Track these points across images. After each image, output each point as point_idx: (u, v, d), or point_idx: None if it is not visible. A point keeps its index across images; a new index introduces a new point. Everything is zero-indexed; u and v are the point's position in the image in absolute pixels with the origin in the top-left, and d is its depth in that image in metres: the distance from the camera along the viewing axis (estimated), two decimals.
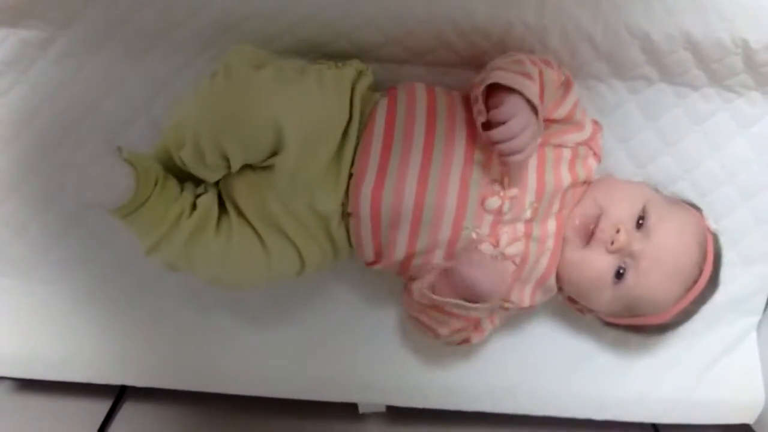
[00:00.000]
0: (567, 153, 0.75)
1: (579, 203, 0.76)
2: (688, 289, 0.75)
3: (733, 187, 0.86)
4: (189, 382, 0.91)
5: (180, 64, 0.82)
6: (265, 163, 0.69)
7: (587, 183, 0.78)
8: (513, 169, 0.71)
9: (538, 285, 0.77)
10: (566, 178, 0.74)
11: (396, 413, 0.94)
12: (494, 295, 0.71)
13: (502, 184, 0.72)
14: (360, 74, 0.77)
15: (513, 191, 0.72)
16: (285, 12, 0.76)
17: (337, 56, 0.78)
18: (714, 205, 0.85)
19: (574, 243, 0.75)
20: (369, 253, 0.76)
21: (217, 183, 0.76)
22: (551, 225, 0.74)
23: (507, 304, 0.78)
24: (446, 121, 0.73)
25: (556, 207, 0.74)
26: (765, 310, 0.93)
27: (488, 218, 0.72)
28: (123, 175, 0.68)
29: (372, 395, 0.92)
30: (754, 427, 0.94)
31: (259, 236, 0.74)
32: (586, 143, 0.76)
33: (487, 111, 0.68)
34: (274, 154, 0.68)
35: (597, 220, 0.73)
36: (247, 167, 0.71)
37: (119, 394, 0.96)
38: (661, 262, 0.73)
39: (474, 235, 0.72)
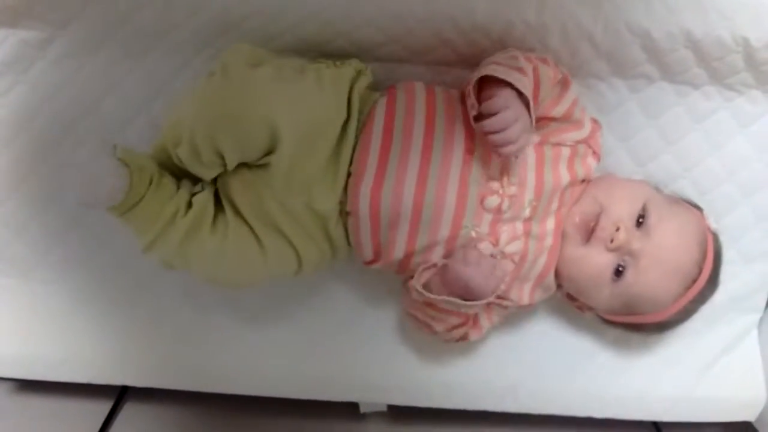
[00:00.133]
0: (566, 151, 0.75)
1: (579, 201, 0.76)
2: (688, 288, 0.75)
3: (733, 185, 0.86)
4: (190, 382, 0.91)
5: (179, 64, 0.82)
6: (261, 162, 0.69)
7: (586, 181, 0.78)
8: (509, 163, 0.71)
9: (537, 283, 0.77)
10: (565, 176, 0.74)
11: (397, 412, 0.94)
12: (487, 293, 0.71)
13: (501, 182, 0.72)
14: (359, 73, 0.77)
15: (512, 190, 0.72)
16: (285, 11, 0.76)
17: (337, 55, 0.78)
18: (714, 204, 0.85)
19: (574, 240, 0.75)
20: (368, 252, 0.76)
21: (214, 181, 0.76)
22: (550, 223, 0.75)
23: (506, 302, 0.78)
24: (445, 120, 0.73)
25: (555, 205, 0.75)
26: (766, 308, 0.94)
27: (487, 217, 0.72)
28: (116, 174, 0.69)
29: (373, 394, 0.92)
30: (756, 425, 0.94)
31: (256, 235, 0.74)
32: (585, 142, 0.76)
33: (480, 104, 0.68)
34: (269, 152, 0.68)
35: (597, 217, 0.74)
36: (243, 166, 0.71)
37: (120, 395, 0.96)
38: (660, 261, 0.73)
39: (473, 234, 0.72)
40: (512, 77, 0.66)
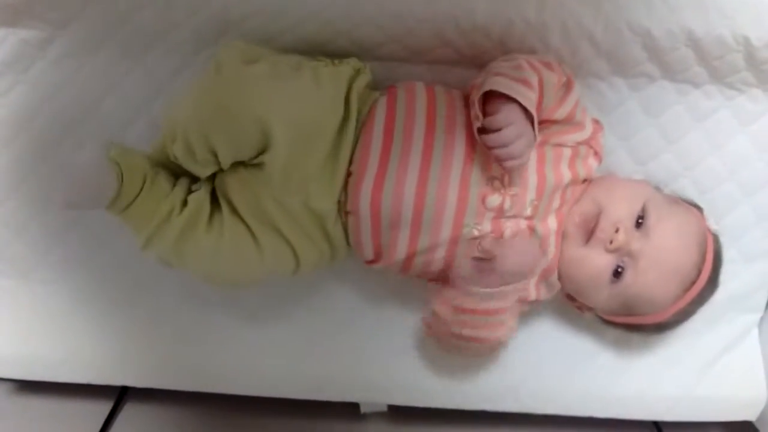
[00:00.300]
0: (567, 152, 0.75)
1: (579, 201, 0.76)
2: (686, 290, 0.75)
3: (734, 184, 0.86)
4: (189, 383, 0.91)
5: (179, 64, 0.82)
6: (256, 161, 0.69)
7: (587, 181, 0.78)
8: (512, 171, 0.71)
9: (542, 277, 0.77)
10: (566, 174, 0.74)
11: (398, 413, 0.94)
12: (531, 268, 0.71)
13: (502, 182, 0.72)
14: (358, 72, 0.77)
15: (514, 189, 0.72)
16: (285, 10, 0.76)
17: (337, 55, 0.78)
18: (715, 203, 0.85)
19: (574, 240, 0.75)
20: (368, 252, 0.76)
21: (212, 180, 0.76)
22: (552, 222, 0.75)
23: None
24: (446, 119, 0.73)
25: (556, 203, 0.74)
26: (766, 307, 0.93)
27: (489, 215, 0.72)
28: (103, 174, 0.69)
29: (374, 395, 0.92)
30: (756, 424, 0.94)
31: (252, 234, 0.74)
32: (587, 142, 0.76)
33: (484, 116, 0.68)
34: (263, 151, 0.68)
35: (597, 218, 0.73)
36: (239, 164, 0.71)
37: (120, 395, 0.96)
38: (659, 262, 0.73)
39: (475, 232, 0.72)
40: (517, 92, 0.66)
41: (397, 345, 0.90)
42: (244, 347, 0.90)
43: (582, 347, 0.91)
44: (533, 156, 0.73)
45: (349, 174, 0.73)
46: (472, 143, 0.72)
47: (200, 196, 0.74)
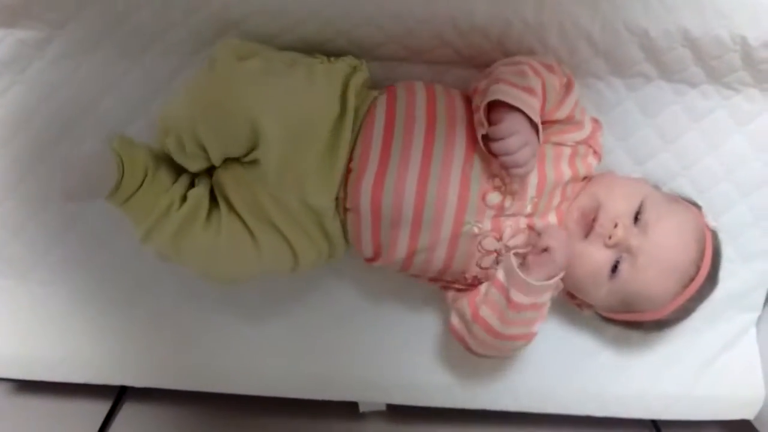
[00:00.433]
0: (567, 150, 0.75)
1: (578, 197, 0.77)
2: (685, 287, 0.75)
3: (731, 183, 0.86)
4: (189, 382, 0.91)
5: (177, 64, 0.82)
6: (249, 158, 0.70)
7: (587, 178, 0.78)
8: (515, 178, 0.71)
9: None
10: (567, 172, 0.74)
11: (396, 412, 0.94)
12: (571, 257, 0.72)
13: (503, 179, 0.72)
14: (354, 69, 0.77)
15: (514, 187, 0.72)
16: (285, 10, 0.76)
17: (336, 54, 0.78)
18: (712, 202, 0.85)
19: (574, 235, 0.75)
20: (368, 250, 0.76)
21: (211, 177, 0.76)
22: (552, 218, 0.75)
23: None
24: (446, 118, 0.73)
25: (556, 200, 0.75)
26: (764, 306, 0.94)
27: (489, 213, 0.72)
28: (106, 164, 0.69)
29: (372, 394, 0.92)
30: (755, 423, 0.94)
31: (250, 231, 0.74)
32: (586, 142, 0.76)
33: (489, 123, 0.68)
34: (253, 147, 0.68)
35: (596, 213, 0.74)
36: (235, 161, 0.72)
37: (119, 395, 0.96)
38: (658, 259, 0.73)
39: (476, 230, 0.72)
40: (522, 102, 0.66)
41: (396, 344, 0.90)
42: (243, 346, 0.90)
43: (581, 346, 0.92)
44: None
45: (348, 171, 0.73)
46: (472, 141, 0.72)
47: (199, 192, 0.74)
